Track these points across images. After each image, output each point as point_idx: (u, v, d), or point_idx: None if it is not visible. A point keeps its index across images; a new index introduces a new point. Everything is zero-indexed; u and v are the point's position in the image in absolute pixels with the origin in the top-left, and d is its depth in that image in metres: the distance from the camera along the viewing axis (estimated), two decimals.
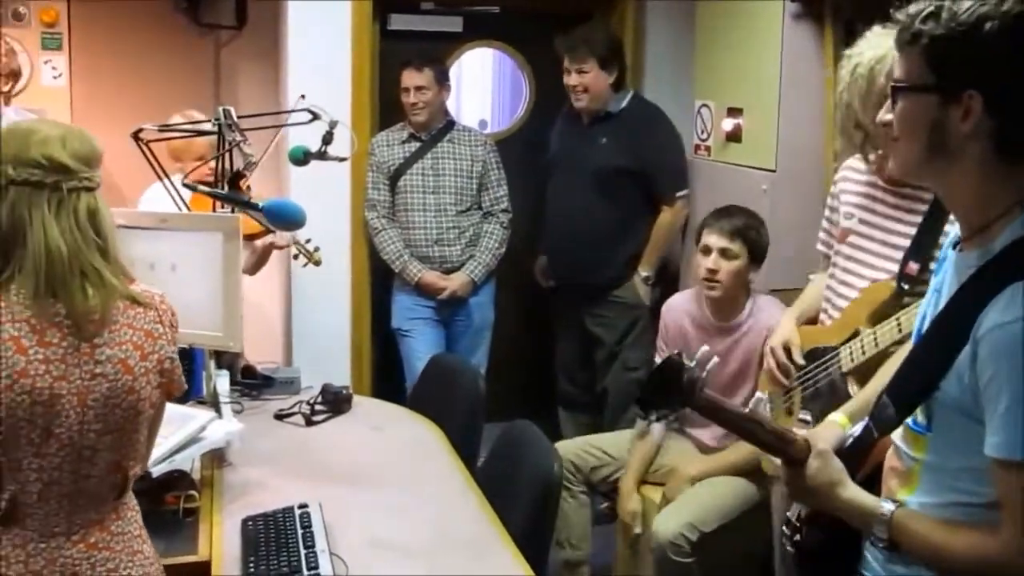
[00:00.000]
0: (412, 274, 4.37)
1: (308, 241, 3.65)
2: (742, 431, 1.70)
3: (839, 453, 1.69)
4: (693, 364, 1.57)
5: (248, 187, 3.48)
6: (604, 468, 3.54)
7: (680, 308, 3.49)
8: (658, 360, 3.52)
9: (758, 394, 1.71)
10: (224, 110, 2.90)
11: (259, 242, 3.65)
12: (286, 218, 2.65)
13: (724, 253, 3.29)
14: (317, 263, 3.64)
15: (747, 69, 4.20)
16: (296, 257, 3.69)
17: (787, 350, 2.73)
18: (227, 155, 2.80)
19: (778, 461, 1.72)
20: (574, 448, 3.56)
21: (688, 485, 3.25)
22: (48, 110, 4.75)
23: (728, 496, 3.21)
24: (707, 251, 3.32)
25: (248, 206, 2.62)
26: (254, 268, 3.85)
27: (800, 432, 1.74)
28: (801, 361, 2.70)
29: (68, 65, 4.77)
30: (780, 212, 3.91)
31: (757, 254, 3.33)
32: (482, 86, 5.66)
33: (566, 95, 4.37)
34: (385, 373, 4.72)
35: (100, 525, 1.85)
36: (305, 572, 2.13)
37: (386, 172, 4.39)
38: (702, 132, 4.52)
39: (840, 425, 1.85)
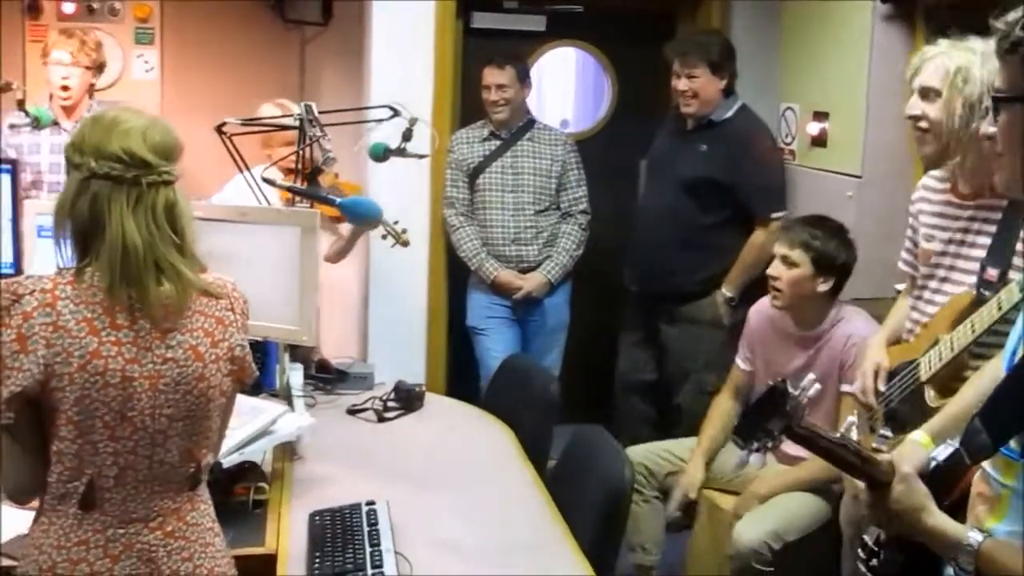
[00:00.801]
0: (488, 272, 4.36)
1: (396, 223, 3.66)
2: (832, 457, 1.62)
3: (922, 476, 1.62)
4: (797, 392, 1.51)
5: (336, 175, 3.54)
6: (679, 474, 3.50)
7: (766, 312, 3.43)
8: (739, 363, 3.49)
9: (850, 418, 1.66)
10: (306, 105, 2.93)
11: (344, 225, 3.67)
12: (362, 214, 2.67)
13: (785, 260, 3.22)
14: (405, 244, 3.64)
15: (834, 71, 4.11)
16: (384, 238, 3.70)
17: (876, 375, 2.68)
18: (307, 150, 2.82)
19: (861, 484, 1.65)
20: (647, 453, 3.53)
21: (757, 503, 3.20)
22: (139, 102, 4.86)
23: (807, 508, 3.16)
24: (773, 258, 3.28)
25: (325, 201, 2.63)
26: (339, 255, 3.89)
27: (884, 455, 1.67)
28: (883, 387, 2.66)
29: (160, 59, 4.88)
30: (866, 219, 3.81)
31: (823, 265, 3.19)
32: (565, 85, 5.63)
33: (649, 96, 4.32)
34: (460, 371, 4.72)
35: (176, 514, 1.87)
36: (369, 570, 2.12)
37: (465, 170, 4.39)
38: (786, 136, 4.44)
39: (923, 445, 1.78)
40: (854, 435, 1.66)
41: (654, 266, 4.26)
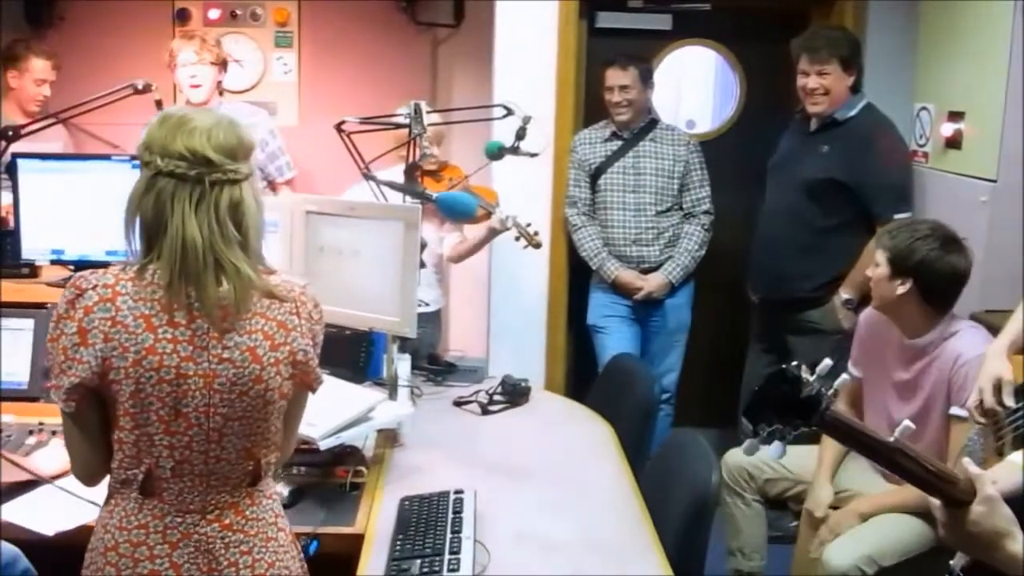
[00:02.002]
0: (609, 272, 4.37)
1: (528, 225, 3.72)
2: (889, 463, 1.54)
3: (1011, 500, 1.53)
4: (812, 378, 1.45)
5: (466, 177, 3.62)
6: (780, 482, 3.42)
7: (874, 317, 3.26)
8: (851, 369, 3.33)
9: (905, 422, 1.55)
10: (416, 104, 3.01)
11: (478, 226, 3.75)
12: (457, 210, 2.72)
13: (876, 260, 3.09)
14: (537, 245, 3.70)
15: (972, 71, 3.94)
16: (517, 239, 3.77)
17: (997, 388, 2.51)
18: (412, 147, 2.89)
19: (936, 501, 1.57)
20: (748, 458, 3.45)
21: (857, 522, 3.04)
22: (278, 104, 5.07)
23: (908, 532, 2.97)
24: None
25: (422, 196, 2.70)
26: (461, 256, 3.99)
27: (966, 471, 1.56)
28: (1011, 402, 2.47)
29: (297, 61, 5.08)
30: (999, 226, 3.65)
31: (897, 264, 3.00)
32: (692, 85, 5.57)
33: (778, 97, 4.22)
34: (580, 369, 4.74)
35: (235, 508, 1.89)
36: (447, 556, 2.17)
37: (587, 170, 4.41)
38: (920, 137, 4.29)
39: (1021, 467, 1.69)
40: (971, 467, 1.55)
41: (773, 272, 4.17)
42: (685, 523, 2.46)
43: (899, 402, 3.12)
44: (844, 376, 1.52)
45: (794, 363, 1.48)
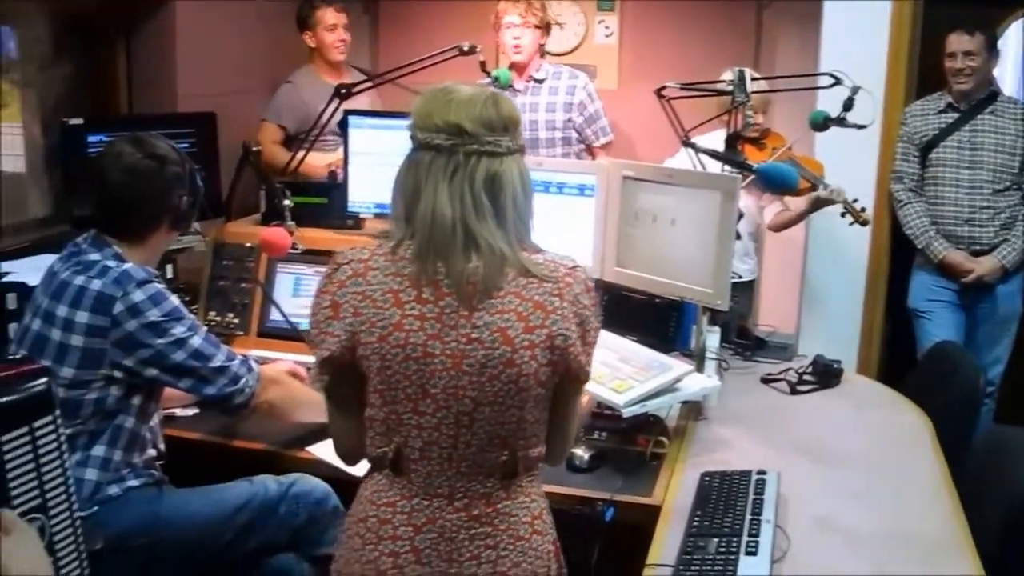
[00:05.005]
0: (936, 252, 4.11)
1: (855, 201, 3.55)
2: None
3: None
4: None
5: (790, 148, 3.52)
6: None
7: None
8: None
9: None
10: (740, 71, 2.93)
11: (800, 197, 3.65)
12: (778, 182, 2.63)
13: None
14: (864, 223, 3.54)
15: None
16: (843, 215, 3.62)
17: None
18: (734, 115, 2.82)
19: None
20: None
21: None
22: (598, 66, 5.11)
23: None
24: None
25: (742, 166, 2.63)
26: (783, 225, 3.90)
27: None
28: None
29: (619, 25, 5.07)
30: None
31: None
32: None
33: None
34: (896, 353, 4.49)
35: (486, 500, 1.81)
36: (744, 537, 2.11)
37: (917, 143, 4.15)
38: None
39: None
40: None
41: None
42: (1003, 530, 2.28)
43: None
44: None
45: None
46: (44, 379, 1.41)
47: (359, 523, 1.86)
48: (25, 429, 1.37)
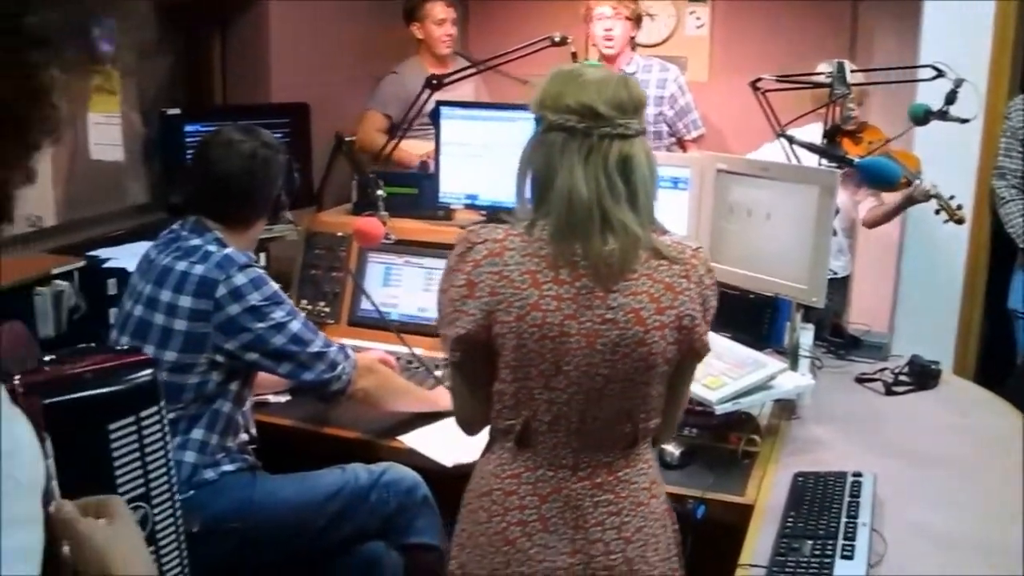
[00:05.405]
0: None
1: (951, 198, 3.47)
2: None
3: None
4: None
5: (887, 141, 3.44)
6: None
7: None
8: None
9: None
10: (839, 63, 2.87)
11: (895, 192, 3.57)
12: (880, 177, 2.56)
13: None
14: (959, 221, 3.46)
15: None
16: (938, 212, 3.54)
17: None
18: (832, 109, 2.76)
19: None
20: None
21: None
22: (688, 58, 5.05)
23: None
24: None
25: (842, 161, 2.57)
26: (877, 221, 3.83)
27: None
28: None
29: (710, 15, 5.01)
30: None
31: None
32: None
33: None
34: (993, 355, 4.37)
35: (608, 468, 1.87)
36: (840, 540, 2.07)
37: (1022, 138, 4.02)
38: None
39: None
40: None
41: None
42: None
43: None
44: None
45: None
46: (150, 370, 1.44)
47: (482, 497, 1.91)
48: (132, 419, 1.39)
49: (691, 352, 1.88)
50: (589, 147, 1.75)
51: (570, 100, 1.76)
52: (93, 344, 1.92)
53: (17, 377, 1.23)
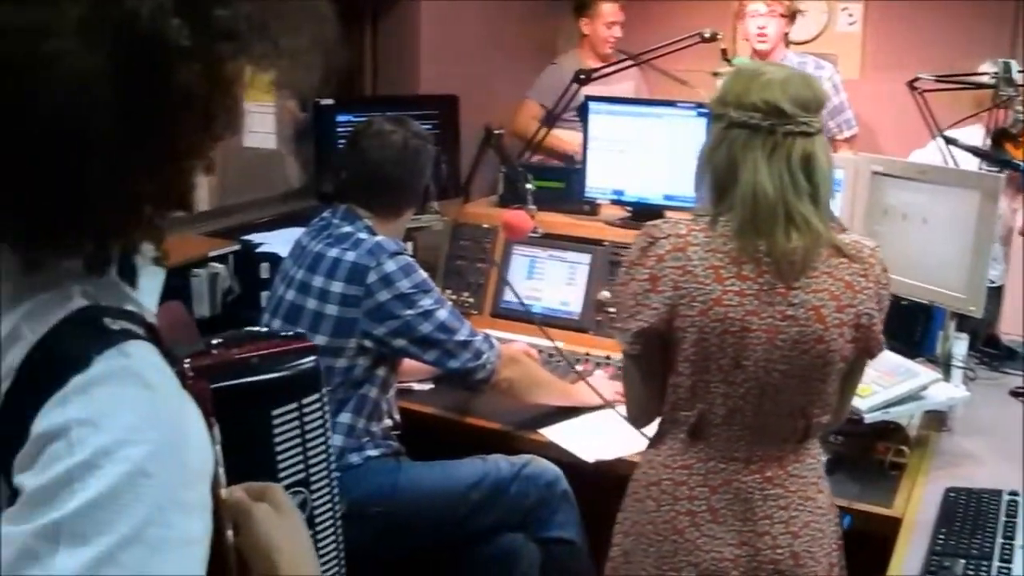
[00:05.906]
0: None
1: None
2: None
3: None
4: None
5: None
6: None
7: None
8: None
9: None
10: (1005, 63, 2.76)
11: None
12: None
13: None
14: None
15: None
16: None
17: None
18: (996, 112, 2.66)
19: None
20: None
21: None
22: (840, 55, 4.92)
23: None
24: None
25: (1009, 165, 2.47)
26: None
27: None
28: None
29: (863, 12, 4.88)
30: None
31: None
32: None
33: None
34: None
35: (779, 463, 1.89)
36: (995, 562, 1.99)
37: None
38: None
39: None
40: None
41: None
42: None
43: None
44: None
45: None
46: (313, 357, 1.46)
47: (650, 487, 1.93)
48: (294, 405, 1.40)
49: (866, 350, 1.90)
50: (773, 144, 1.77)
51: (755, 98, 1.78)
52: (260, 329, 1.98)
53: (187, 361, 1.24)
